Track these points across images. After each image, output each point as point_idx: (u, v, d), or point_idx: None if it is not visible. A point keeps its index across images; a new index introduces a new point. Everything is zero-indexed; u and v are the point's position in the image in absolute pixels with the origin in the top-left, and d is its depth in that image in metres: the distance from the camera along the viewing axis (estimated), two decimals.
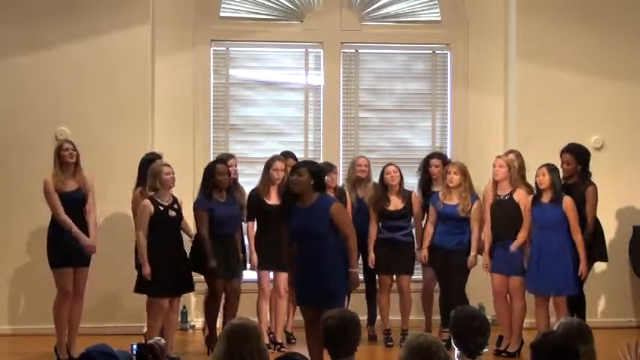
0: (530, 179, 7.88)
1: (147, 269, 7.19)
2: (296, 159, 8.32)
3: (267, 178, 7.92)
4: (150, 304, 7.68)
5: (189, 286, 7.57)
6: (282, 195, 6.64)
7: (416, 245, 8.21)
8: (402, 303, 8.25)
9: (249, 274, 8.04)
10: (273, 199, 7.88)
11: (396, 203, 8.15)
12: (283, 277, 7.94)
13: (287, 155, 8.30)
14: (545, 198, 7.55)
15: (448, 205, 7.95)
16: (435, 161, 8.35)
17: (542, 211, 7.52)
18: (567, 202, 7.50)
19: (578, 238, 7.50)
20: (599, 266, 8.56)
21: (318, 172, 6.48)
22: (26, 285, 8.55)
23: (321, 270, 6.31)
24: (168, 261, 7.25)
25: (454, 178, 7.91)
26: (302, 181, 6.31)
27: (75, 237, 7.31)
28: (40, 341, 7.81)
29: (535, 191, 7.67)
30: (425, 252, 8.07)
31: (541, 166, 7.59)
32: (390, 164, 8.28)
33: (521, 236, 7.66)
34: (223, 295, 7.68)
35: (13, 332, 8.54)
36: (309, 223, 6.31)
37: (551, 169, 7.58)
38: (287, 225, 6.47)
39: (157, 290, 7.27)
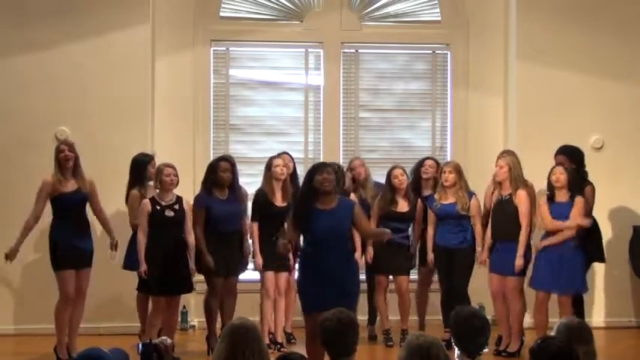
0: (528, 178, 7.88)
1: (142, 267, 7.26)
2: (291, 157, 8.34)
3: (270, 178, 7.90)
4: (140, 302, 7.84)
5: (187, 287, 7.55)
6: (301, 196, 6.37)
7: (411, 247, 8.21)
8: (401, 303, 8.26)
9: (250, 274, 8.05)
10: (279, 201, 7.88)
11: (402, 205, 8.15)
12: (284, 276, 7.95)
13: (283, 154, 8.31)
14: (561, 197, 7.56)
15: (445, 204, 7.97)
16: (429, 162, 8.38)
17: (559, 211, 7.54)
18: (579, 199, 7.54)
19: (573, 223, 7.53)
20: (599, 266, 8.57)
21: (339, 172, 6.49)
22: (30, 285, 8.55)
23: (349, 272, 6.30)
24: (163, 261, 7.26)
25: (449, 177, 7.93)
26: (332, 179, 6.29)
27: (15, 246, 7.31)
28: (44, 341, 7.81)
29: (547, 190, 7.65)
30: (432, 255, 8.07)
31: (557, 165, 7.66)
32: (397, 167, 8.23)
33: (522, 243, 7.62)
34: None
35: (18, 332, 8.55)
36: (338, 224, 6.26)
37: (567, 169, 7.61)
38: (305, 227, 6.27)
39: (155, 289, 7.32)
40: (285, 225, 7.70)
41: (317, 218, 6.20)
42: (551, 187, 7.62)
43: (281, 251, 6.59)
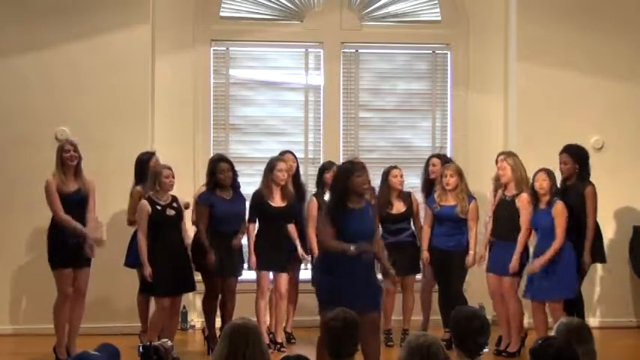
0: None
1: (147, 270, 7.21)
2: (295, 157, 8.35)
3: (270, 180, 7.89)
4: (141, 302, 7.82)
5: (191, 286, 7.57)
6: (338, 196, 6.22)
7: (419, 244, 8.20)
8: (406, 302, 8.26)
9: (248, 274, 8.05)
10: (277, 202, 7.87)
11: (398, 206, 8.15)
12: (284, 277, 7.95)
13: (286, 153, 8.31)
14: (543, 204, 7.52)
15: (445, 207, 7.96)
16: (433, 160, 8.37)
17: (540, 217, 7.50)
18: (557, 206, 7.45)
19: (556, 243, 7.40)
20: (599, 266, 8.56)
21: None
22: (27, 285, 8.55)
23: (374, 272, 6.29)
24: (169, 260, 7.26)
25: (451, 180, 7.93)
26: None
27: (78, 234, 7.28)
28: (42, 341, 7.81)
29: (531, 197, 7.61)
30: (426, 253, 8.07)
31: (539, 171, 7.55)
32: (395, 167, 8.24)
33: (520, 245, 7.62)
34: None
35: (15, 332, 8.55)
36: (368, 223, 6.26)
37: (550, 173, 7.56)
38: (341, 226, 6.12)
39: (159, 290, 7.29)
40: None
41: (350, 218, 6.16)
42: (534, 193, 7.55)
43: (364, 251, 6.17)
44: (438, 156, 8.52)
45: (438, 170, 8.22)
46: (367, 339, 6.16)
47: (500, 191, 7.85)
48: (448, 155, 9.27)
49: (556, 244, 7.40)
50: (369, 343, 6.19)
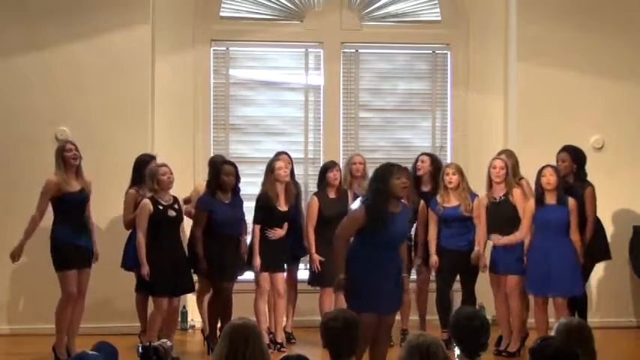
0: (528, 179, 7.88)
1: (145, 269, 7.21)
2: (290, 158, 8.33)
3: (273, 180, 7.86)
4: (138, 301, 7.83)
5: (190, 287, 7.58)
6: (379, 198, 6.04)
7: (414, 247, 8.17)
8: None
9: (248, 274, 8.04)
10: (282, 206, 7.86)
11: None
12: (280, 277, 7.94)
13: (282, 154, 8.32)
14: (550, 199, 7.51)
15: (449, 208, 7.92)
16: (422, 157, 8.35)
17: (548, 213, 7.49)
18: (572, 203, 7.48)
19: (576, 238, 7.48)
20: (600, 266, 8.56)
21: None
22: (25, 285, 8.54)
23: (401, 273, 6.30)
24: (168, 261, 7.26)
25: (453, 178, 7.90)
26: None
27: (20, 246, 7.29)
28: (39, 341, 7.82)
29: (535, 192, 7.62)
30: (435, 257, 7.98)
31: (546, 166, 7.54)
32: None
33: (518, 236, 7.62)
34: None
35: (12, 332, 8.55)
36: (405, 227, 6.29)
37: (556, 169, 7.57)
38: (380, 229, 6.00)
39: (157, 290, 7.29)
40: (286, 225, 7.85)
41: (392, 221, 6.06)
42: (540, 189, 7.54)
43: (338, 288, 6.16)
44: (428, 154, 8.51)
45: (426, 167, 8.24)
46: (383, 339, 6.18)
47: (485, 196, 7.82)
48: (448, 155, 9.32)
49: (577, 238, 7.51)
50: (384, 343, 6.21)
